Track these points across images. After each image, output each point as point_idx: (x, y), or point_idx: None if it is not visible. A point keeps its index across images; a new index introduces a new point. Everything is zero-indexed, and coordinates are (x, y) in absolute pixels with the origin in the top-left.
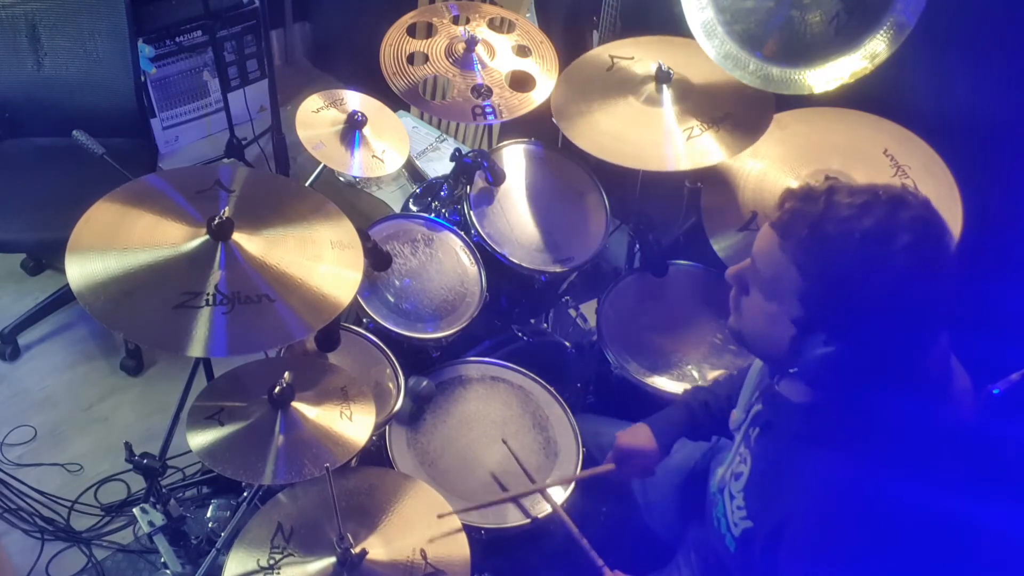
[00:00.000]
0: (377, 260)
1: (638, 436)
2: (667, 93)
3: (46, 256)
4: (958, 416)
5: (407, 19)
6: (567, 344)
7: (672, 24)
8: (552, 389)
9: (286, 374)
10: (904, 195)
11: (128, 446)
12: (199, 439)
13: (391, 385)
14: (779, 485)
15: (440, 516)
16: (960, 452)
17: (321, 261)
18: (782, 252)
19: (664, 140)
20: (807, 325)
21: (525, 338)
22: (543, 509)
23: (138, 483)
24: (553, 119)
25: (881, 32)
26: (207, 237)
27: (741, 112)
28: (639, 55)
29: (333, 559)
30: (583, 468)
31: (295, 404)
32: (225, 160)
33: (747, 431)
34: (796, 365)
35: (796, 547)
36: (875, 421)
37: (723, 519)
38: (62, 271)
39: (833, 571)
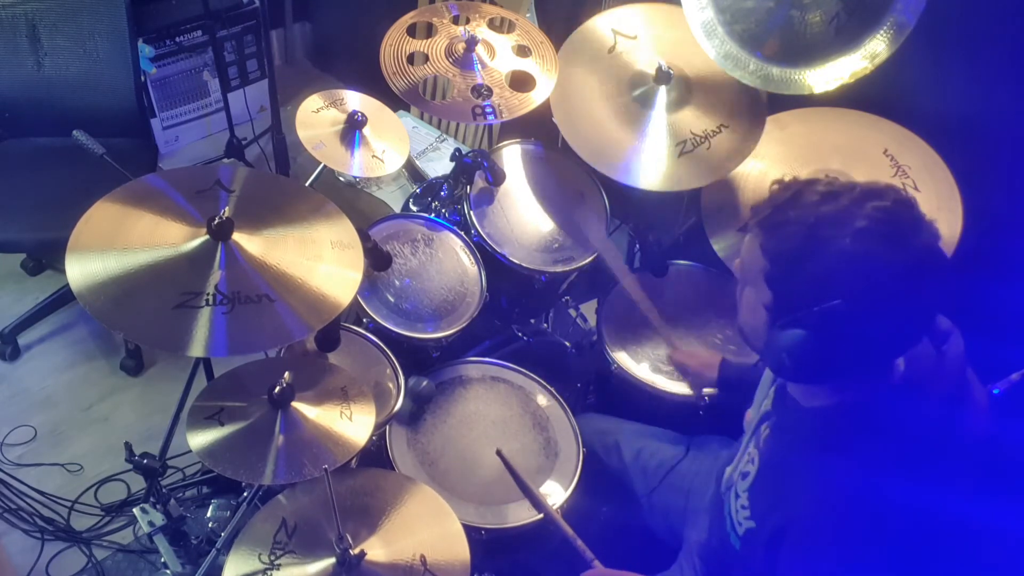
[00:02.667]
0: (377, 260)
1: (701, 356)
2: (663, 96)
3: (46, 256)
4: (970, 426)
5: (407, 19)
6: (567, 344)
7: None
8: (552, 389)
9: (286, 374)
10: (885, 191)
11: (128, 446)
12: (199, 439)
13: (391, 385)
14: (784, 487)
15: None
16: (961, 454)
17: (321, 261)
18: (752, 236)
19: (651, 155)
20: (775, 309)
21: (525, 338)
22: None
23: (138, 483)
24: (553, 119)
25: (881, 32)
26: (207, 237)
27: (735, 124)
28: (642, 33)
29: (332, 559)
30: (582, 470)
31: (295, 404)
32: (225, 160)
33: (757, 430)
34: (769, 354)
35: (798, 550)
36: (882, 427)
37: (729, 518)
38: (62, 271)
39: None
